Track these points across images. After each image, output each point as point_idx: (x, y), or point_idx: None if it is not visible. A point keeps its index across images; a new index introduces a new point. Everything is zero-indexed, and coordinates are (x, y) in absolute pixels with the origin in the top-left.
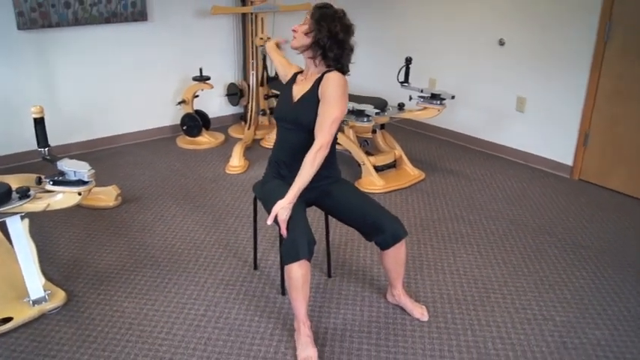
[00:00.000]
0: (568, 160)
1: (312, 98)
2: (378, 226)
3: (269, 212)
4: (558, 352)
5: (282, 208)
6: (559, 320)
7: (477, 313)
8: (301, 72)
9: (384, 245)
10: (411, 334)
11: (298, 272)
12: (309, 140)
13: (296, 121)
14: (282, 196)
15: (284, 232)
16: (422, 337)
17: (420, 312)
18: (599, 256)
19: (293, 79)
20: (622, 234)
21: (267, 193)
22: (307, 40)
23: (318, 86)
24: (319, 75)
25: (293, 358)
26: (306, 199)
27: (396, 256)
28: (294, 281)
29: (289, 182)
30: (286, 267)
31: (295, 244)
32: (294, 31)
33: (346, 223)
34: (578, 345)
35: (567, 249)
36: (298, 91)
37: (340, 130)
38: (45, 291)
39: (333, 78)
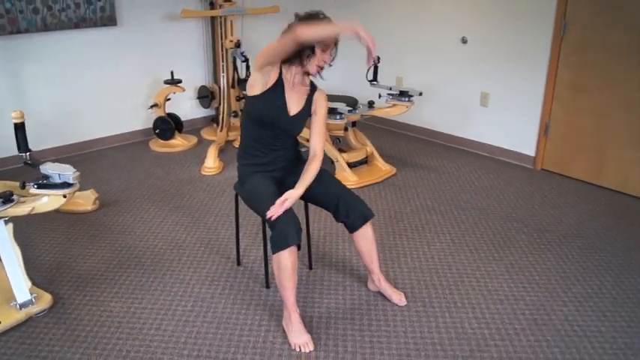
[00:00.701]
0: (531, 151)
1: (306, 114)
2: (348, 208)
3: (257, 210)
4: (530, 329)
5: (292, 197)
6: (529, 299)
7: (453, 297)
8: (280, 72)
9: (354, 226)
10: (393, 319)
11: (288, 260)
12: (291, 143)
13: (292, 132)
14: (270, 191)
15: (277, 214)
16: (403, 321)
17: (398, 298)
18: (562, 240)
19: (282, 85)
20: (582, 218)
21: (252, 191)
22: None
23: (311, 102)
24: (308, 88)
25: (282, 347)
26: (287, 186)
27: (365, 236)
28: (283, 269)
29: (270, 170)
30: (275, 255)
31: (284, 232)
32: (325, 64)
33: (318, 203)
34: (548, 321)
35: (534, 234)
36: (293, 103)
37: None
38: (31, 294)
39: (324, 97)
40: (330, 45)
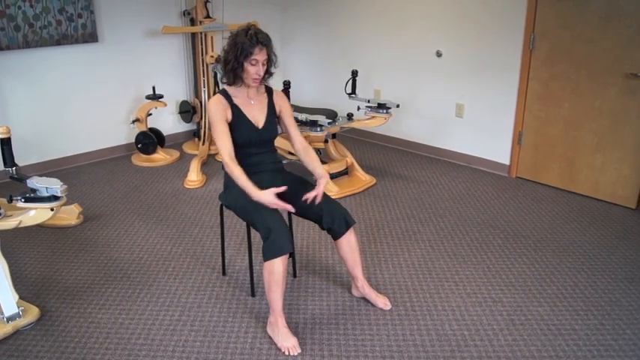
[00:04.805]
0: (505, 159)
1: (273, 117)
2: (332, 215)
3: (243, 217)
4: (507, 329)
5: (326, 178)
6: (506, 301)
7: (434, 300)
8: (226, 95)
9: (338, 232)
10: (376, 323)
11: (280, 267)
12: (272, 146)
13: (269, 138)
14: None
15: (319, 199)
16: (385, 325)
17: (383, 302)
18: (537, 244)
19: (238, 109)
20: (555, 223)
21: (243, 199)
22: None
23: (273, 103)
24: (264, 93)
25: (268, 352)
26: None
27: (349, 242)
28: (275, 276)
29: (259, 171)
30: (267, 263)
31: (277, 241)
32: (258, 75)
33: (304, 216)
34: (524, 321)
35: (509, 239)
36: (258, 116)
37: None
38: (19, 307)
39: (282, 96)
40: (260, 61)
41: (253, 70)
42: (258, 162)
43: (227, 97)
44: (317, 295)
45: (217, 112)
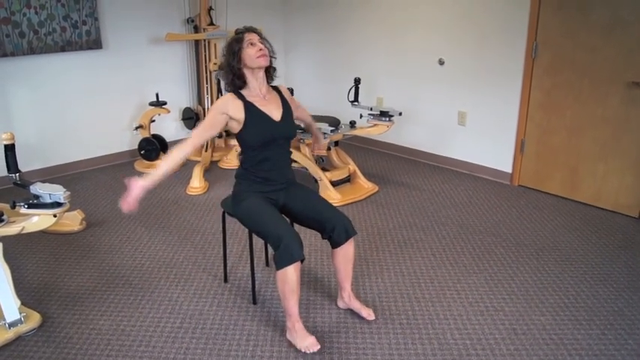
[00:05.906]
0: (507, 167)
1: (290, 114)
2: (334, 224)
3: (252, 227)
4: (509, 338)
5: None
6: (508, 310)
7: (436, 309)
8: (239, 94)
9: (338, 242)
10: (377, 332)
11: (294, 275)
12: (289, 153)
13: (288, 135)
14: (271, 209)
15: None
16: (387, 333)
17: (367, 312)
18: (539, 252)
19: (252, 105)
20: (558, 232)
21: (253, 210)
22: (268, 62)
23: (287, 101)
24: (274, 90)
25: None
26: (275, 201)
27: (345, 253)
28: (289, 284)
29: (272, 190)
30: (281, 271)
31: (289, 248)
32: (261, 50)
33: (305, 224)
34: (527, 331)
35: (511, 248)
36: (273, 111)
37: (297, 148)
38: (20, 313)
39: (289, 92)
40: (253, 39)
41: (253, 50)
42: (273, 178)
43: (240, 95)
44: (319, 304)
45: (219, 106)
